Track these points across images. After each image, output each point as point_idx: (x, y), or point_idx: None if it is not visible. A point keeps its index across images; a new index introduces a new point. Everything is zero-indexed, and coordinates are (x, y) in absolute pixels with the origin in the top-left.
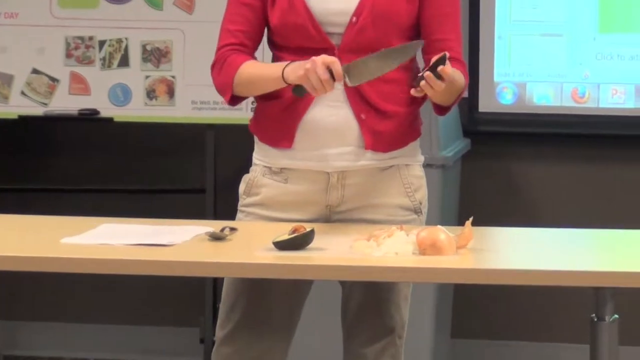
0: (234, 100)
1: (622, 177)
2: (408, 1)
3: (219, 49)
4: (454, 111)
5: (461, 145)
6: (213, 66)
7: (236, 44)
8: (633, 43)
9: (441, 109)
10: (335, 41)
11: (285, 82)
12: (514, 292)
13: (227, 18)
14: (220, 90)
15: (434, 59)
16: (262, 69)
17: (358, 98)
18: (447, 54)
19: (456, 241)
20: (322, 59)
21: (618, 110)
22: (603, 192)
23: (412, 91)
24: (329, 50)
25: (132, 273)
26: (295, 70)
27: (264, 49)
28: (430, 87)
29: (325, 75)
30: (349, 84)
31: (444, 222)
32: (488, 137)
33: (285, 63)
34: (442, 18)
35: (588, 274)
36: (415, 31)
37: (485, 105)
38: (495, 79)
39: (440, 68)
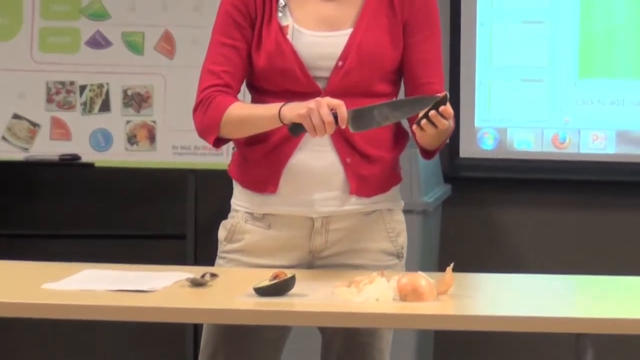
0: (218, 142)
1: (603, 222)
2: (393, 46)
3: (202, 90)
4: (435, 157)
5: (442, 190)
6: (196, 107)
7: (221, 85)
8: (613, 88)
9: (427, 153)
10: (321, 85)
11: (281, 121)
12: (495, 338)
13: (209, 59)
14: (204, 131)
15: (438, 96)
16: (254, 109)
17: (343, 142)
18: (447, 94)
19: (437, 287)
20: (328, 100)
21: (599, 156)
22: (584, 238)
23: (414, 127)
24: (315, 94)
25: (112, 319)
26: (295, 108)
27: (244, 94)
28: (432, 126)
29: (329, 118)
30: (351, 130)
31: (424, 268)
32: (469, 182)
33: (281, 103)
34: (427, 62)
35: (568, 320)
36: (399, 75)
37: (466, 150)
38: (476, 124)
39: (442, 108)
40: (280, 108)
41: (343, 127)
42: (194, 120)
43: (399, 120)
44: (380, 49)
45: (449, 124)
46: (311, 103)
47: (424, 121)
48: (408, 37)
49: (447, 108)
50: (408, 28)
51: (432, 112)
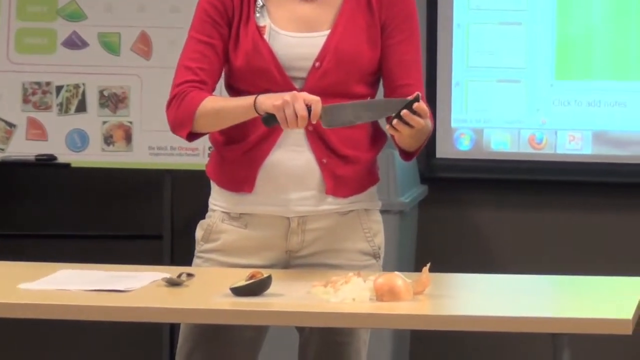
0: (192, 136)
1: (579, 222)
2: (371, 47)
3: (176, 85)
4: (414, 158)
5: (418, 191)
6: (170, 102)
7: (196, 81)
8: (590, 89)
9: (407, 154)
10: (297, 85)
11: (256, 111)
12: (471, 338)
13: (185, 55)
14: (178, 125)
15: (409, 98)
16: (229, 100)
17: (320, 142)
18: (420, 94)
19: (413, 287)
20: (304, 95)
21: (575, 157)
22: (560, 238)
23: (387, 127)
24: None
25: (89, 319)
26: (271, 98)
27: (220, 91)
28: (405, 125)
29: (303, 112)
30: (323, 125)
31: (401, 268)
32: (445, 183)
33: (257, 94)
34: (405, 64)
35: (545, 320)
36: (376, 76)
37: (442, 151)
38: (453, 125)
39: (415, 105)
40: (257, 97)
41: (314, 121)
42: (167, 115)
43: (372, 121)
44: (357, 50)
45: (426, 122)
46: (287, 95)
47: (395, 121)
48: (386, 39)
49: (421, 105)
50: (386, 30)
51: (405, 111)
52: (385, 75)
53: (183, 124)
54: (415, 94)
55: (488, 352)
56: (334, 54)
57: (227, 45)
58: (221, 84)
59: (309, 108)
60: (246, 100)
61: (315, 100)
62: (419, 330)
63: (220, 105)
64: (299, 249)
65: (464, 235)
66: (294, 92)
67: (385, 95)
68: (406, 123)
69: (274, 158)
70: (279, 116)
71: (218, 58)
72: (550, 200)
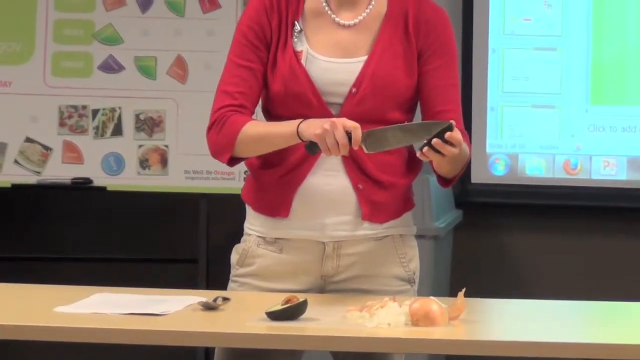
0: (232, 161)
1: (614, 248)
2: (407, 74)
3: (216, 110)
4: (453, 185)
5: (453, 216)
6: (210, 127)
7: (235, 105)
8: (625, 115)
9: (445, 181)
10: (334, 111)
11: (300, 138)
12: None
13: (224, 80)
14: (218, 151)
15: (444, 124)
16: (271, 126)
17: (355, 168)
18: (454, 122)
19: (449, 312)
20: (343, 122)
21: (610, 182)
22: (595, 264)
23: (418, 154)
24: None
25: (125, 342)
26: (312, 126)
27: (257, 116)
28: (436, 153)
29: (344, 140)
30: (366, 151)
31: (436, 293)
32: (480, 208)
33: (299, 120)
34: (443, 90)
35: (580, 345)
36: (413, 103)
37: (477, 176)
38: (488, 150)
39: (447, 135)
40: (299, 125)
41: (356, 147)
42: (208, 140)
43: (411, 144)
44: (394, 77)
45: (462, 150)
46: (327, 124)
47: (425, 148)
48: (424, 65)
49: (454, 134)
50: (424, 56)
51: (435, 140)
52: (423, 101)
53: (224, 149)
54: (449, 122)
55: None
56: (371, 80)
57: (266, 68)
58: (258, 107)
59: (349, 134)
60: (288, 128)
61: (354, 127)
62: (454, 355)
63: (262, 132)
64: (334, 273)
65: (498, 260)
66: (334, 119)
67: (423, 120)
68: (437, 151)
69: (310, 183)
70: (321, 145)
71: (257, 82)
72: (585, 226)
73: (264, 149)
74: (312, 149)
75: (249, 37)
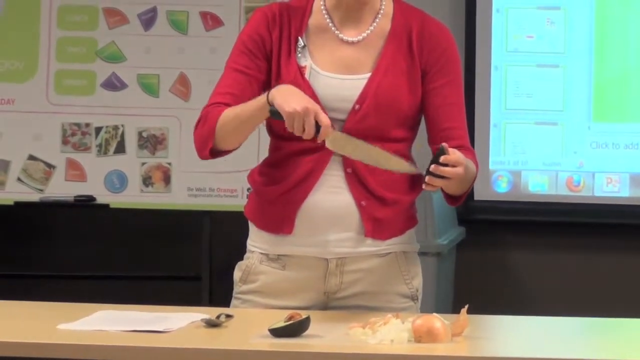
0: (214, 154)
1: (617, 265)
2: (411, 92)
3: (203, 109)
4: (460, 202)
5: (456, 233)
6: (196, 126)
7: (221, 103)
8: (627, 132)
9: (453, 199)
10: (336, 127)
11: (269, 103)
12: None
13: (218, 84)
14: (201, 144)
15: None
16: (244, 104)
17: (358, 185)
18: (445, 144)
19: (452, 329)
20: (317, 112)
21: (613, 199)
22: (598, 281)
23: (424, 186)
24: None
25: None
26: (285, 99)
27: (259, 133)
28: (438, 179)
29: (311, 130)
30: (326, 145)
31: (439, 309)
32: (483, 225)
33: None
34: (448, 108)
35: None
36: (416, 120)
37: (480, 193)
38: (491, 167)
39: (442, 158)
40: (270, 91)
41: (319, 142)
42: (194, 138)
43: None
44: (397, 94)
45: (467, 167)
46: (299, 106)
47: (427, 178)
48: (428, 83)
49: (448, 156)
50: (428, 73)
51: (433, 166)
52: (428, 120)
53: (205, 140)
54: (440, 147)
55: None
56: (374, 98)
57: (266, 78)
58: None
59: (318, 126)
60: (261, 97)
61: (326, 123)
62: None
63: (235, 112)
64: (337, 290)
65: (501, 277)
66: (308, 105)
67: (429, 139)
68: (439, 176)
69: (313, 199)
70: (287, 122)
71: (250, 87)
72: (588, 243)
73: (241, 130)
74: (277, 116)
75: (247, 45)
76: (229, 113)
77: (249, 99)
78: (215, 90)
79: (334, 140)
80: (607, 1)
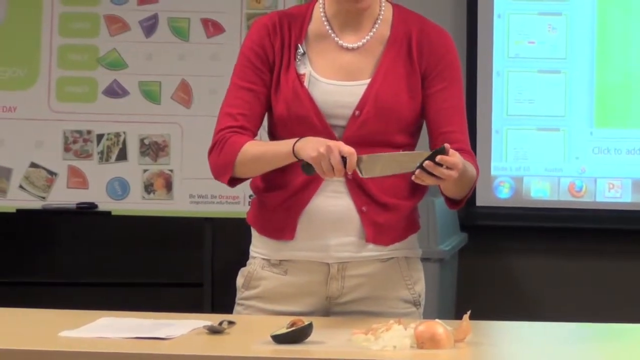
0: (233, 182)
1: (619, 271)
2: (411, 97)
3: (217, 132)
4: (461, 206)
5: (458, 239)
6: (212, 149)
7: (236, 127)
8: (629, 137)
9: (453, 203)
10: (337, 134)
11: (296, 157)
12: None
13: (227, 102)
14: (219, 171)
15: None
16: (269, 145)
17: (359, 190)
18: (448, 145)
19: (454, 335)
20: (339, 147)
21: (615, 205)
22: (600, 286)
23: (413, 178)
24: None
25: None
26: (308, 148)
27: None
28: (428, 176)
29: (339, 165)
30: (361, 176)
31: (441, 315)
32: (485, 231)
33: (296, 139)
34: (447, 111)
35: None
36: (418, 126)
37: (482, 199)
38: (492, 173)
39: (438, 157)
40: (295, 144)
41: (350, 172)
42: (209, 162)
43: (404, 172)
44: (397, 100)
45: (465, 172)
46: (322, 147)
47: (418, 171)
48: (428, 88)
49: (445, 157)
50: (428, 78)
51: (427, 162)
52: (428, 124)
53: (224, 170)
54: (441, 146)
55: None
56: (374, 104)
57: (269, 90)
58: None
59: (344, 159)
60: (285, 147)
61: (350, 152)
62: None
63: (260, 151)
64: (339, 295)
65: (504, 283)
66: (329, 143)
67: (429, 143)
68: (430, 173)
69: (314, 205)
70: (316, 168)
71: (259, 103)
72: (589, 248)
73: (263, 169)
74: (308, 170)
75: (251, 59)
76: (249, 151)
77: (259, 115)
78: (224, 109)
79: (365, 168)
80: (609, 7)
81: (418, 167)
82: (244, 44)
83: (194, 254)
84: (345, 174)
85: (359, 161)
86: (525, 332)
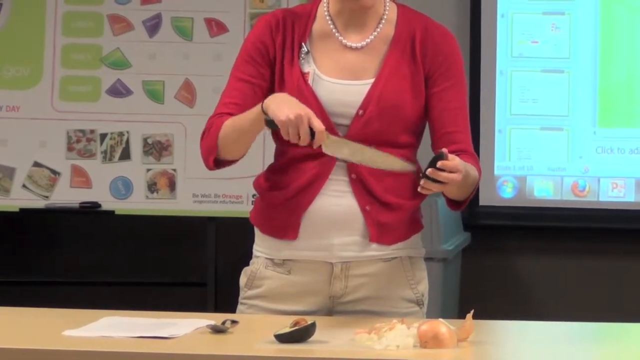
0: (218, 164)
1: (623, 270)
2: (414, 97)
3: (208, 120)
4: (463, 207)
5: (462, 238)
6: (201, 136)
7: (225, 113)
8: (633, 137)
9: (456, 204)
10: (341, 132)
11: (264, 113)
12: None
13: (224, 93)
14: (206, 154)
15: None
16: (242, 114)
17: (362, 190)
18: (445, 150)
19: (457, 334)
20: (310, 118)
21: (618, 204)
22: (604, 286)
23: (419, 189)
24: None
25: None
26: (278, 108)
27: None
28: (433, 184)
29: (306, 136)
30: (323, 150)
31: (445, 315)
32: (488, 230)
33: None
34: (451, 112)
35: None
36: (421, 125)
37: (485, 198)
38: (496, 172)
39: (439, 163)
40: (265, 100)
41: (314, 147)
42: (200, 149)
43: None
44: (400, 99)
45: (467, 174)
46: (292, 114)
47: (423, 180)
48: (431, 87)
49: (446, 162)
50: (431, 78)
51: (430, 170)
52: (431, 124)
53: (209, 151)
54: (440, 152)
55: None
56: (377, 103)
57: (270, 86)
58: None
59: (313, 132)
60: (256, 108)
61: (319, 129)
62: None
63: (235, 120)
64: (342, 294)
65: (507, 283)
66: (301, 113)
67: (432, 143)
68: (435, 180)
69: (318, 204)
70: (282, 130)
71: (255, 95)
72: (593, 248)
73: (240, 138)
74: (272, 126)
75: (251, 53)
76: (229, 124)
77: (251, 106)
78: (220, 100)
79: (329, 144)
80: (612, 6)
81: (422, 177)
82: (246, 39)
83: (197, 254)
84: (313, 149)
85: (327, 138)
86: (529, 331)
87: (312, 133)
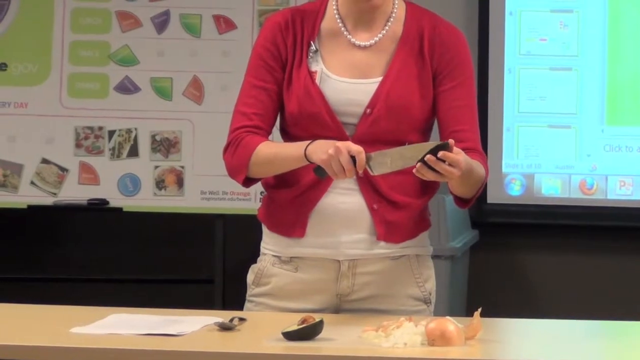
0: (248, 182)
1: (631, 268)
2: (422, 96)
3: (232, 131)
4: (470, 205)
5: (469, 236)
6: (226, 148)
7: (250, 126)
8: None
9: (462, 202)
10: (349, 131)
11: (308, 161)
12: None
13: (241, 100)
14: (234, 171)
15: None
16: (282, 148)
17: (370, 188)
18: (452, 141)
19: (465, 332)
20: (348, 147)
21: (626, 202)
22: (612, 283)
23: (414, 171)
24: (342, 140)
25: None
26: (318, 152)
27: (273, 136)
28: (429, 171)
29: (349, 165)
30: (372, 174)
31: (452, 312)
32: (496, 228)
33: (307, 142)
34: (459, 110)
35: None
36: (429, 124)
37: (493, 196)
38: (504, 170)
39: (441, 153)
40: (306, 148)
41: (360, 171)
42: (224, 161)
43: (410, 166)
44: (408, 98)
45: (473, 171)
46: (331, 149)
47: (418, 164)
48: (439, 86)
49: (447, 153)
50: (439, 77)
51: (429, 156)
52: (439, 122)
53: (239, 170)
54: (445, 141)
55: None
56: (385, 102)
57: (282, 88)
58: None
59: (353, 158)
60: (297, 151)
61: (357, 151)
62: None
63: (272, 153)
64: (350, 292)
65: (515, 280)
66: (337, 144)
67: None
68: (432, 168)
69: (325, 202)
70: (328, 170)
71: (272, 102)
72: (601, 246)
73: (276, 170)
74: (320, 173)
75: (264, 57)
76: (262, 152)
77: (273, 114)
78: (238, 107)
79: (374, 165)
80: (620, 4)
81: (420, 161)
82: (256, 42)
83: (205, 251)
84: (357, 173)
85: (368, 159)
86: (536, 329)
87: (354, 161)
